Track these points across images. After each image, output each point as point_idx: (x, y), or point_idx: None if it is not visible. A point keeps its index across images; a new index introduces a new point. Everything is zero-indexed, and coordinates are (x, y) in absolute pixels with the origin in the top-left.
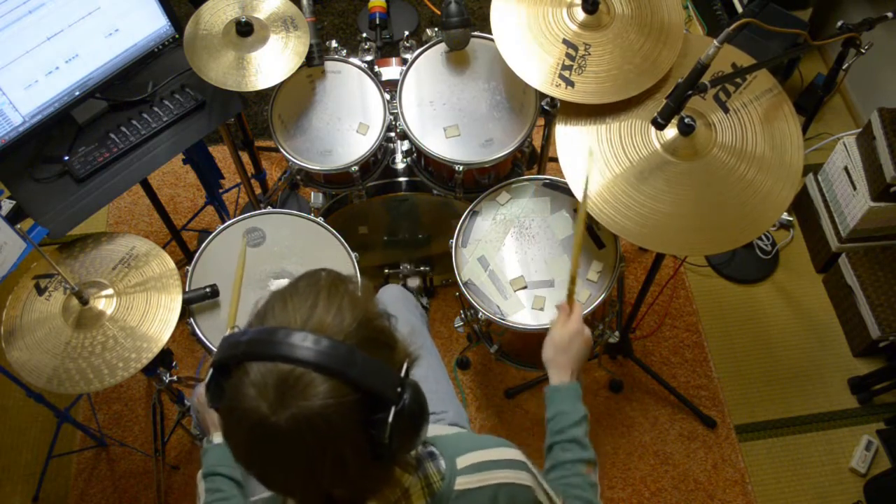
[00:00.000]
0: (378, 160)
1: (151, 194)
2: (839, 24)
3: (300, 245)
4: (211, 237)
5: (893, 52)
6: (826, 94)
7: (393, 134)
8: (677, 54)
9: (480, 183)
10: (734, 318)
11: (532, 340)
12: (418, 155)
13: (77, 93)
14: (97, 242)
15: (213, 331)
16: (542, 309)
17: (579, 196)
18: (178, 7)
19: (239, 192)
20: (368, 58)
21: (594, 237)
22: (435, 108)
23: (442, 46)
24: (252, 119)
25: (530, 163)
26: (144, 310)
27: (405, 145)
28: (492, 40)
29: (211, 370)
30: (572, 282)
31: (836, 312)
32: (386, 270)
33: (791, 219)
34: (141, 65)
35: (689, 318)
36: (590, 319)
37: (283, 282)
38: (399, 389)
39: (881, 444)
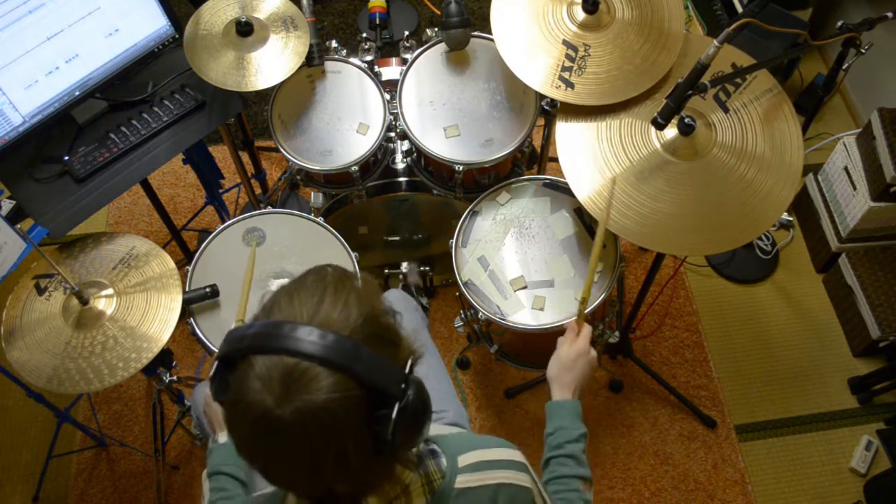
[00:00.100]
0: (378, 160)
1: (151, 194)
2: (839, 24)
3: (300, 245)
4: (211, 237)
5: (893, 52)
6: (826, 94)
7: (393, 134)
8: (677, 55)
9: (480, 183)
10: (734, 318)
11: (532, 340)
12: (418, 155)
13: (77, 93)
14: (97, 242)
15: (213, 331)
16: (542, 309)
17: (599, 219)
18: (178, 7)
19: (239, 192)
20: (368, 58)
21: (594, 236)
22: (435, 108)
23: (442, 46)
24: (252, 119)
25: (530, 163)
26: (144, 310)
27: (405, 145)
28: (492, 40)
29: (216, 363)
30: (583, 303)
31: (836, 312)
32: (386, 270)
33: (791, 219)
34: (141, 65)
35: (689, 318)
36: (590, 319)
37: (283, 281)
38: (403, 386)
39: (881, 444)
